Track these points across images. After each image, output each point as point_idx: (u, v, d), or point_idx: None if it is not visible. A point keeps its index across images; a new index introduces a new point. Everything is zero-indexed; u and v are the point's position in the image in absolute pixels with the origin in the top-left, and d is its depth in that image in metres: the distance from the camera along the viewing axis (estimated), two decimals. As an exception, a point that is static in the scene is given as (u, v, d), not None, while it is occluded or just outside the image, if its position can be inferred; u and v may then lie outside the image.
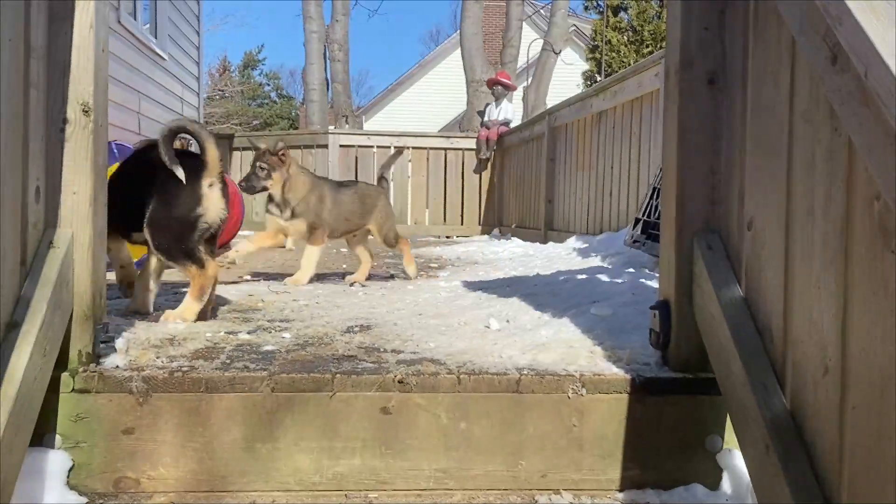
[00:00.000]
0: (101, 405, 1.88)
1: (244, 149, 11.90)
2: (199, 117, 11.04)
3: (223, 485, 1.87)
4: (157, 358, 2.04)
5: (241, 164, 11.72)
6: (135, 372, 1.91)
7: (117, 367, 1.95)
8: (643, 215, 4.37)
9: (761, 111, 1.73)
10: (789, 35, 1.55)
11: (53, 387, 1.82)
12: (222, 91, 35.26)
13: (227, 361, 2.03)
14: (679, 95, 1.99)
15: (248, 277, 4.43)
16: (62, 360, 1.88)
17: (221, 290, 3.47)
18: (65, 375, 1.87)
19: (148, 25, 8.74)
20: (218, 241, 2.75)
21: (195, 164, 2.58)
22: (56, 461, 1.83)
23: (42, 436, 1.84)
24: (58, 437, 1.86)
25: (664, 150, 2.11)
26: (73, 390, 1.87)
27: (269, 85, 40.16)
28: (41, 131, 1.83)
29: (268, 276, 4.42)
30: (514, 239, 8.05)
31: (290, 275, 4.10)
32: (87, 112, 1.90)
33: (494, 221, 10.85)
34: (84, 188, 1.91)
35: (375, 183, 4.77)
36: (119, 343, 2.08)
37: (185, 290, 2.72)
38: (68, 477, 1.84)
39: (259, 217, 11.45)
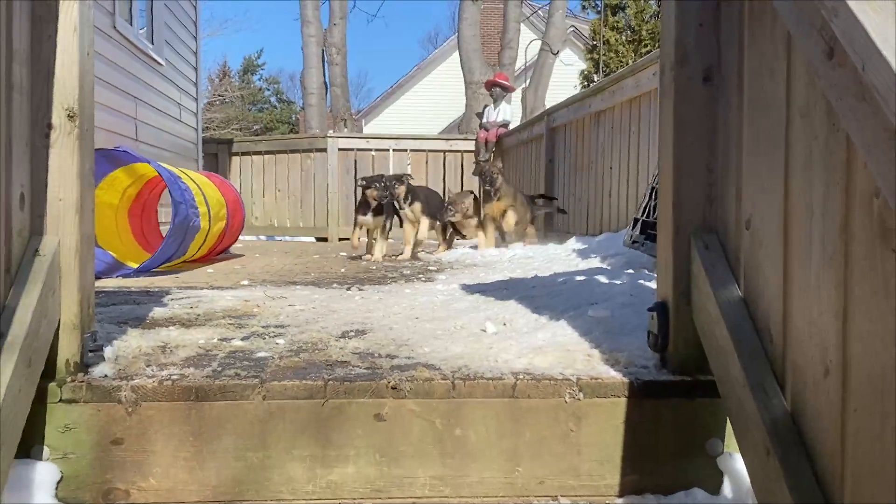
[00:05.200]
0: (90, 416, 1.85)
1: (243, 154, 11.90)
2: (198, 123, 11.00)
3: (214, 495, 1.84)
4: (148, 366, 2.01)
5: (239, 168, 11.72)
6: (124, 381, 1.87)
7: (106, 376, 1.92)
8: (642, 215, 4.33)
9: (758, 107, 1.69)
10: (785, 29, 1.52)
11: (40, 397, 1.79)
12: (222, 96, 35.29)
13: (219, 369, 2.00)
14: (674, 92, 1.95)
15: (246, 283, 4.40)
16: (49, 369, 1.84)
17: (216, 296, 3.44)
18: (52, 385, 1.84)
19: (144, 30, 8.71)
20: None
21: None
22: (44, 473, 1.80)
23: (30, 447, 1.80)
24: (46, 448, 1.82)
25: (660, 148, 2.08)
26: (60, 400, 1.84)
27: (269, 90, 40.25)
28: (25, 137, 1.80)
29: (265, 282, 4.39)
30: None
31: (290, 282, 4.06)
32: (72, 117, 1.87)
33: (494, 223, 10.80)
34: (70, 195, 1.88)
35: None
36: (108, 352, 2.05)
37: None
38: (57, 489, 1.81)
39: (258, 221, 11.45)
